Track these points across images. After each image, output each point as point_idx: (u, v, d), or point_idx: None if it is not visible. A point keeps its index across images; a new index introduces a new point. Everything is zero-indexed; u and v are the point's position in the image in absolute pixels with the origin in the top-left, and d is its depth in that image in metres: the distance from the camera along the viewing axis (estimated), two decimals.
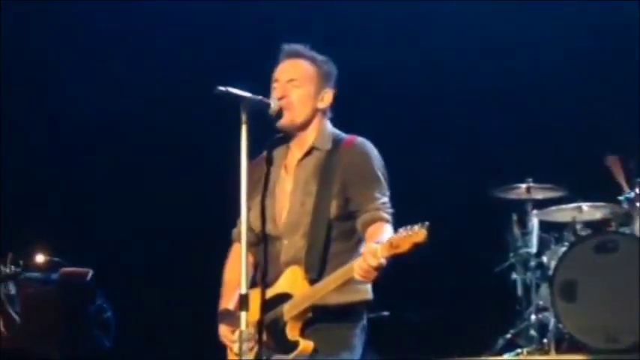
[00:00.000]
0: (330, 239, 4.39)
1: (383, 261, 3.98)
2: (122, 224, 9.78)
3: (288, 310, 4.30)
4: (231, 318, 4.42)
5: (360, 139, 4.56)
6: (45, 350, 7.83)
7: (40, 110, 9.90)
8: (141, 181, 9.88)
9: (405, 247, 3.93)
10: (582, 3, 9.17)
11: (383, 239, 4.04)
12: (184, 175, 9.77)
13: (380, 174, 4.47)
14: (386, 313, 8.25)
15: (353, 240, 4.40)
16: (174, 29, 9.81)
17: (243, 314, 4.13)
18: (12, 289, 7.57)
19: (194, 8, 9.68)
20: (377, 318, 8.18)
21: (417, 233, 3.91)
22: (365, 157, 4.48)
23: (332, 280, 4.22)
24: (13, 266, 7.39)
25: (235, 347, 4.35)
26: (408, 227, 3.95)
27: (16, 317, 7.63)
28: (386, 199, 4.42)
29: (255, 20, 9.56)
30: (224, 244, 4.76)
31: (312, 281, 4.31)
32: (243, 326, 4.13)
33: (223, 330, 4.49)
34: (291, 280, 4.36)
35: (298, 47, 4.63)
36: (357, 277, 4.07)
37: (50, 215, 9.69)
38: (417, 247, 3.92)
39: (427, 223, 3.92)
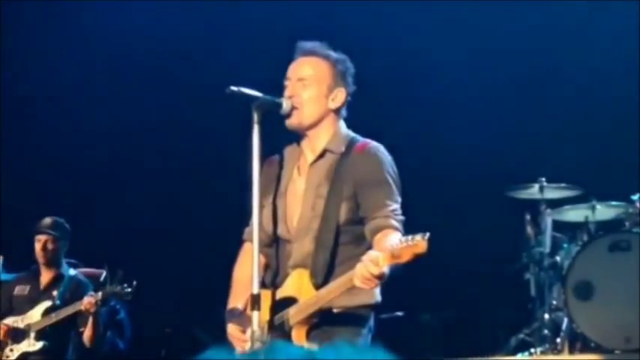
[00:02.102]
0: (339, 244, 4.32)
1: (385, 270, 3.91)
2: (136, 225, 9.80)
3: (293, 315, 4.24)
4: (240, 317, 4.39)
5: (374, 144, 4.47)
6: (60, 350, 7.88)
7: (58, 114, 9.96)
8: (155, 181, 9.91)
9: (405, 257, 3.85)
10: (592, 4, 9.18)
11: (385, 247, 3.95)
12: (198, 175, 9.80)
13: (391, 180, 4.38)
14: (400, 314, 8.25)
15: (364, 245, 4.27)
16: (186, 29, 9.85)
17: (255, 314, 4.12)
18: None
19: (206, 9, 9.73)
20: (391, 318, 8.22)
21: (418, 244, 3.83)
22: (376, 162, 4.39)
23: (335, 287, 4.16)
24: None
25: (244, 347, 4.29)
26: (410, 237, 3.88)
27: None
28: (396, 206, 4.32)
29: (269, 20, 9.58)
30: (238, 243, 4.73)
31: (318, 285, 4.24)
32: (255, 326, 4.12)
33: (232, 329, 4.41)
34: (297, 284, 4.30)
35: (313, 45, 4.53)
36: (357, 284, 3.98)
37: (64, 217, 9.72)
38: (417, 258, 3.85)
39: (428, 233, 3.83)
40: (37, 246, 7.91)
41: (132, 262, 9.27)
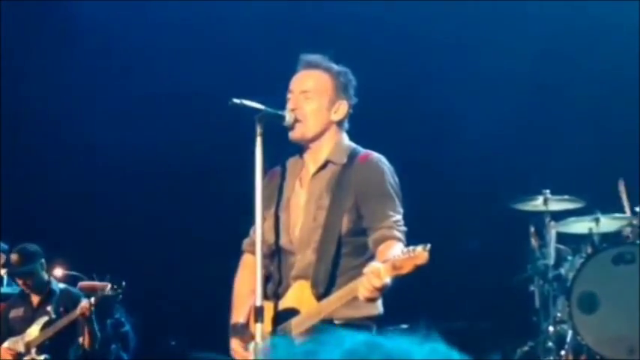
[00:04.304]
0: (341, 254, 4.31)
1: (387, 281, 3.89)
2: (140, 238, 9.82)
3: (295, 325, 4.22)
4: (243, 331, 4.38)
5: (376, 155, 4.46)
6: None
7: (61, 127, 9.99)
8: (157, 194, 9.93)
9: (407, 268, 3.83)
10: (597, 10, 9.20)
11: (387, 259, 3.93)
12: (201, 187, 9.82)
13: (393, 191, 4.37)
14: (404, 326, 8.22)
15: (365, 256, 4.27)
16: (190, 38, 9.88)
17: (258, 326, 4.13)
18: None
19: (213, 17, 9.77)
20: (396, 331, 8.21)
21: (419, 255, 3.81)
22: (379, 173, 4.38)
23: (336, 298, 4.15)
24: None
25: None
26: (411, 248, 3.85)
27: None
28: (398, 217, 4.31)
29: (275, 30, 9.61)
30: (240, 255, 4.73)
31: (319, 296, 4.23)
32: (258, 338, 4.12)
33: (235, 345, 4.41)
34: (298, 295, 4.30)
35: (315, 57, 4.53)
36: (361, 297, 3.97)
37: (69, 230, 9.75)
38: (418, 269, 3.84)
39: (429, 245, 3.81)
40: (19, 283, 8.16)
41: (137, 275, 9.30)
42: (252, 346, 4.24)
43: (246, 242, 4.62)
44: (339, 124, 4.51)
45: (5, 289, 8.53)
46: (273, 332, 4.24)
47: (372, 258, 4.20)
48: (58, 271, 8.51)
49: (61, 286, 8.16)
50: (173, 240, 9.95)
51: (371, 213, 4.32)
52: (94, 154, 10.02)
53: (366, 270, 3.94)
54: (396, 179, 4.43)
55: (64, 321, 7.72)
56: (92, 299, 7.62)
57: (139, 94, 9.83)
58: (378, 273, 3.88)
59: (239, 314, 4.48)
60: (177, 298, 9.86)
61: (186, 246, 9.89)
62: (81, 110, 9.94)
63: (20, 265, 8.01)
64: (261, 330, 4.10)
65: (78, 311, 7.62)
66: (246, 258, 4.61)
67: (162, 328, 9.69)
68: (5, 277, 8.55)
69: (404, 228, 4.31)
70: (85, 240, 9.59)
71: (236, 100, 4.27)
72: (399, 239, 4.23)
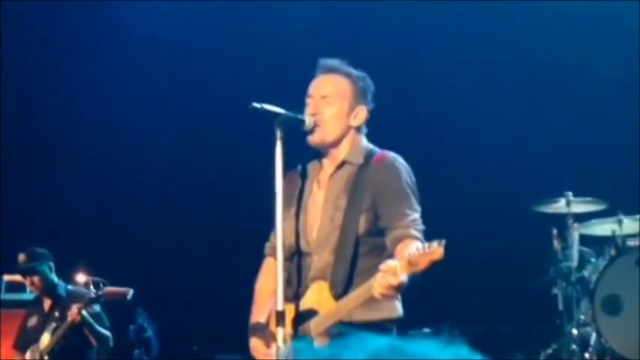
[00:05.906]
0: (359, 255, 4.31)
1: (403, 279, 3.87)
2: (162, 244, 9.84)
3: (314, 326, 4.22)
4: (263, 331, 4.39)
5: (392, 155, 4.46)
6: None
7: (81, 133, 10.03)
8: (179, 201, 9.95)
9: (422, 264, 3.81)
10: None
11: (402, 256, 3.91)
12: (222, 192, 9.84)
13: (410, 190, 4.36)
14: (427, 330, 8.21)
15: (383, 256, 4.22)
16: (210, 43, 9.90)
17: (280, 330, 4.12)
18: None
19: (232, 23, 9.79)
20: (418, 335, 8.19)
21: (434, 251, 3.79)
22: (395, 172, 4.38)
23: (353, 297, 4.14)
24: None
25: None
26: (426, 244, 3.83)
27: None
28: (416, 216, 4.31)
29: (292, 36, 9.62)
30: (261, 259, 4.74)
31: (338, 297, 4.22)
32: (280, 342, 4.12)
33: (255, 343, 4.41)
34: (316, 296, 4.30)
35: (334, 62, 4.53)
36: (376, 295, 3.95)
37: (92, 236, 9.78)
38: (434, 265, 3.82)
39: (444, 240, 3.79)
40: (27, 283, 8.29)
41: (160, 281, 9.34)
42: (274, 349, 4.24)
43: (267, 246, 4.63)
44: (358, 129, 4.51)
45: (10, 296, 8.66)
46: (294, 334, 4.24)
47: (390, 257, 4.15)
48: (81, 277, 8.55)
49: (70, 288, 8.22)
50: (194, 245, 9.96)
51: (388, 212, 4.32)
52: (111, 156, 10.04)
53: (381, 267, 3.92)
54: (413, 178, 4.43)
55: (63, 327, 7.79)
56: (80, 304, 7.68)
57: (156, 97, 9.86)
58: (394, 271, 3.87)
59: (259, 314, 4.49)
60: (200, 303, 9.87)
61: (208, 251, 9.90)
62: (100, 114, 9.98)
63: (25, 263, 8.11)
64: (283, 334, 4.10)
65: (69, 319, 7.69)
66: (267, 261, 4.62)
67: (184, 333, 9.70)
68: None
69: (422, 227, 4.30)
70: (107, 246, 9.61)
71: (256, 105, 4.27)
72: (416, 238, 4.21)
